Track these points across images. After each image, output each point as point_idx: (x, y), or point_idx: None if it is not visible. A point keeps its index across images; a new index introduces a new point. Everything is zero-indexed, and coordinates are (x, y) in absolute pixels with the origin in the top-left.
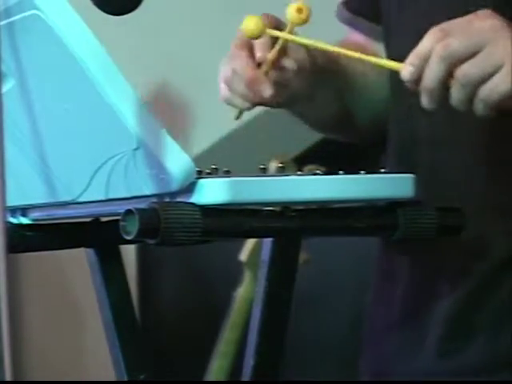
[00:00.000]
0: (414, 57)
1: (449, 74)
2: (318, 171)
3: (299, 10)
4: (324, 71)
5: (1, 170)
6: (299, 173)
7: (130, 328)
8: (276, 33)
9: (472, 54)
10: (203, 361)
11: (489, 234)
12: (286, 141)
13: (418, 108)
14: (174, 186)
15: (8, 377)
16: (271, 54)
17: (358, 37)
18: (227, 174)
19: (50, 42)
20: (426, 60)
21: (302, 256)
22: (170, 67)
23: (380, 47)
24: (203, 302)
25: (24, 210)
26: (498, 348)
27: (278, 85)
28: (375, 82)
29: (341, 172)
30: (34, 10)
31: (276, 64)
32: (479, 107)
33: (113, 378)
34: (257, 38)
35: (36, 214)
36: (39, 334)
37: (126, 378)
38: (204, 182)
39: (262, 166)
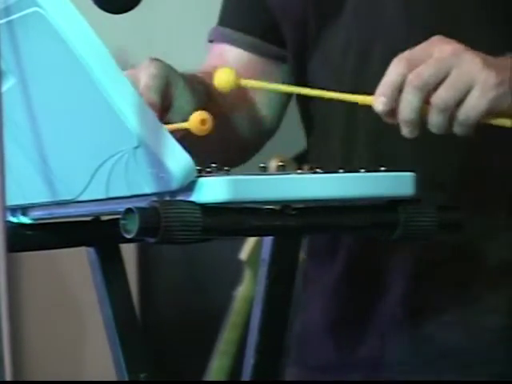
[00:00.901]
0: (384, 87)
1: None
2: (318, 169)
3: (203, 122)
4: (207, 106)
5: (1, 169)
6: (299, 171)
7: (130, 327)
8: (250, 83)
9: (442, 79)
10: (203, 360)
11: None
12: (286, 139)
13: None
14: (175, 185)
15: (8, 377)
16: None
17: (233, 51)
18: (227, 172)
19: (51, 40)
20: (397, 89)
21: (302, 255)
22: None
23: (259, 61)
24: (203, 300)
25: (24, 209)
26: (445, 344)
27: None
28: (237, 117)
29: (341, 170)
30: (35, 7)
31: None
32: (460, 129)
33: (113, 378)
34: (229, 90)
35: (36, 213)
36: (39, 333)
37: (126, 377)
38: (204, 181)
39: (262, 165)
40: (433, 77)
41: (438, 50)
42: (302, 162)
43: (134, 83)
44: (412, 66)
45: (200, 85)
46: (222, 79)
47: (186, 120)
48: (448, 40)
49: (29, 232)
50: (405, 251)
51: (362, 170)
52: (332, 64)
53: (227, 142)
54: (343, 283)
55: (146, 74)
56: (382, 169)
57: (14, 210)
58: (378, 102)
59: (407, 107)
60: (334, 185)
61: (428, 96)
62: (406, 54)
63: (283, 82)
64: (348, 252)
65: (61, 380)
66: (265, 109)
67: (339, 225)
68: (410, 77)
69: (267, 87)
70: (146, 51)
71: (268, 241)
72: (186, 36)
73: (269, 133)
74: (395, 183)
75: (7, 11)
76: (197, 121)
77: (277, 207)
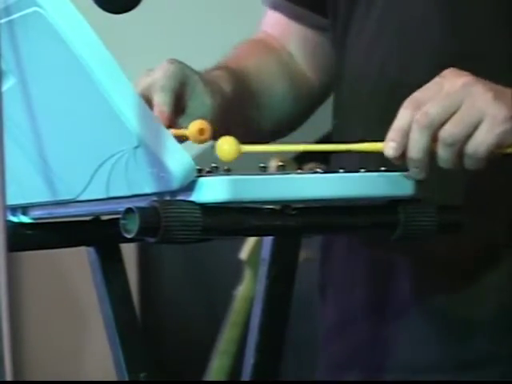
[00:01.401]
0: (394, 133)
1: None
2: (318, 169)
3: (201, 131)
4: (230, 102)
5: (1, 169)
6: (299, 171)
7: (130, 326)
8: (253, 148)
9: (451, 115)
10: (203, 359)
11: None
12: (286, 139)
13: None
14: (175, 185)
15: (8, 377)
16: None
17: (280, 19)
18: (227, 172)
19: (51, 40)
20: (406, 133)
21: (303, 254)
22: None
23: (305, 31)
24: (204, 300)
25: (24, 209)
26: (458, 349)
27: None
28: (279, 93)
29: (341, 170)
30: (34, 7)
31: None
32: (469, 162)
33: (113, 379)
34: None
35: (37, 213)
36: (39, 333)
37: (126, 376)
38: (204, 181)
39: (262, 165)
40: (440, 114)
41: (449, 84)
42: (302, 161)
43: (149, 84)
44: (420, 106)
45: (228, 82)
46: (225, 150)
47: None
48: (460, 72)
49: (29, 231)
50: (411, 251)
51: (362, 170)
52: (367, 37)
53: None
54: (351, 285)
55: (161, 75)
56: (382, 169)
57: (15, 209)
58: (388, 147)
59: (415, 147)
60: (334, 185)
61: (436, 132)
62: (416, 94)
63: (329, 52)
64: (364, 251)
65: (61, 380)
66: (314, 74)
67: (339, 225)
68: (417, 116)
69: (269, 150)
70: (147, 51)
71: (268, 240)
72: (187, 35)
73: (320, 97)
74: (395, 183)
75: (7, 11)
76: (195, 130)
77: (277, 207)
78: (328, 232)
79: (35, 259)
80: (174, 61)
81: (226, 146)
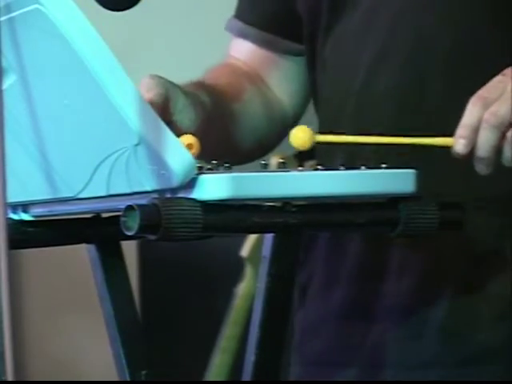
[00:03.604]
0: (463, 129)
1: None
2: (318, 167)
3: (189, 146)
4: (211, 115)
5: (1, 166)
6: (300, 168)
7: (131, 324)
8: (325, 138)
9: None
10: (204, 357)
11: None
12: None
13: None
14: (175, 182)
15: (10, 377)
16: None
17: (248, 46)
18: (228, 169)
19: (52, 37)
20: (475, 130)
21: None
22: (170, 63)
23: (274, 56)
24: (204, 297)
25: (25, 206)
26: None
27: None
28: (254, 111)
29: (342, 167)
30: (35, 4)
31: None
32: None
33: (113, 378)
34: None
35: (37, 210)
36: (41, 331)
37: (127, 374)
38: (205, 178)
39: (263, 162)
40: (509, 113)
41: None
42: (302, 158)
43: None
44: (488, 104)
45: (206, 96)
46: (299, 138)
47: (184, 133)
48: None
49: (29, 229)
50: (409, 249)
51: (363, 167)
52: (346, 52)
53: (230, 145)
54: (345, 279)
55: (145, 90)
56: (383, 166)
57: (15, 206)
58: (458, 144)
59: (484, 145)
60: (335, 182)
61: (505, 132)
62: (482, 92)
63: (299, 75)
64: (351, 249)
65: (61, 380)
66: (285, 97)
67: (340, 222)
68: (486, 116)
69: (345, 140)
70: (147, 49)
71: (269, 238)
72: (188, 32)
73: (293, 119)
74: (396, 180)
75: (8, 8)
76: (184, 145)
77: (277, 204)
78: (328, 229)
79: (36, 257)
80: (154, 76)
81: (301, 134)
